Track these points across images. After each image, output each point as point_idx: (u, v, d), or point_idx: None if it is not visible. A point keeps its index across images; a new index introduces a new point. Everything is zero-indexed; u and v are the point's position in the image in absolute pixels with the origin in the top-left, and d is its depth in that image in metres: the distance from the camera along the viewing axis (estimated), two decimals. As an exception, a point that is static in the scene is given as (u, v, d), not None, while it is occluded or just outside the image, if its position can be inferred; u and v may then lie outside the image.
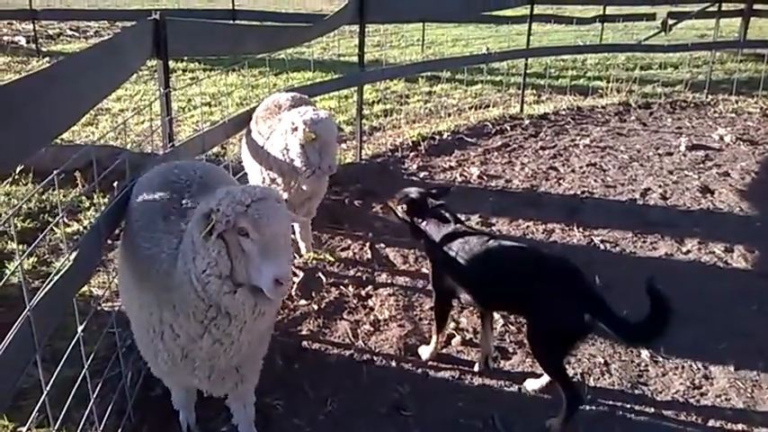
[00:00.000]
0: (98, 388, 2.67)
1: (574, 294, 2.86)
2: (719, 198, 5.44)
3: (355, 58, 6.43)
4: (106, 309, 3.55)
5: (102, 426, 2.58)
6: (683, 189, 5.59)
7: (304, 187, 4.03)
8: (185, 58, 9.50)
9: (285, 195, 4.08)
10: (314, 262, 4.43)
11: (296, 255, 4.49)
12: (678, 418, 3.14)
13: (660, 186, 5.63)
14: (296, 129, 3.83)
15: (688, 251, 4.63)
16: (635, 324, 2.74)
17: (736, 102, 8.04)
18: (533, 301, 2.94)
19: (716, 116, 7.58)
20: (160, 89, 3.70)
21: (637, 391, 3.30)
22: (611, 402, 3.20)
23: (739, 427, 3.09)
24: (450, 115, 7.49)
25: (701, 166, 6.08)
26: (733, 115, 7.60)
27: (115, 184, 3.07)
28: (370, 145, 6.60)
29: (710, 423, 3.11)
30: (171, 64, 3.75)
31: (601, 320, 2.77)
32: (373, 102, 8.22)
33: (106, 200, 4.59)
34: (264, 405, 3.18)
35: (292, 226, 4.37)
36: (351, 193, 5.41)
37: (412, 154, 6.25)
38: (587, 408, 3.16)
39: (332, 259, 4.46)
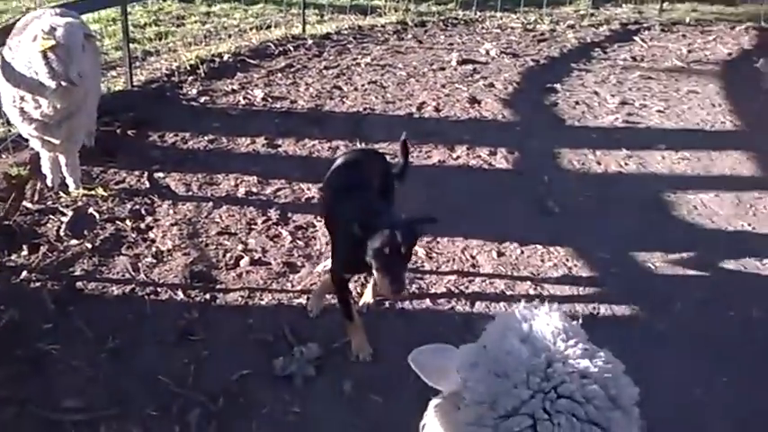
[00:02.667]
0: None
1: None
2: (485, 107, 5.88)
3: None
4: None
5: None
6: (453, 101, 5.95)
7: (57, 105, 3.67)
8: None
9: (38, 115, 3.71)
10: (84, 199, 4.10)
11: (62, 192, 4.12)
12: (450, 304, 3.46)
13: (434, 100, 5.94)
14: (36, 37, 3.47)
15: (458, 157, 4.99)
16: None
17: (501, 18, 8.63)
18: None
19: (483, 32, 8.09)
20: None
21: (414, 286, 3.56)
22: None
23: (501, 304, 3.49)
24: (230, 37, 7.18)
25: (470, 78, 6.50)
26: (498, 31, 8.16)
27: None
28: (144, 71, 6.14)
29: (477, 306, 3.47)
30: None
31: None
32: (145, 24, 7.62)
33: None
34: (38, 351, 2.98)
35: (57, 160, 4.05)
36: (123, 122, 5.04)
37: (190, 78, 5.93)
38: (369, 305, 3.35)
39: (105, 194, 4.16)
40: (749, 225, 4.38)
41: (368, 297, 3.39)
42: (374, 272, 2.74)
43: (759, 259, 4.00)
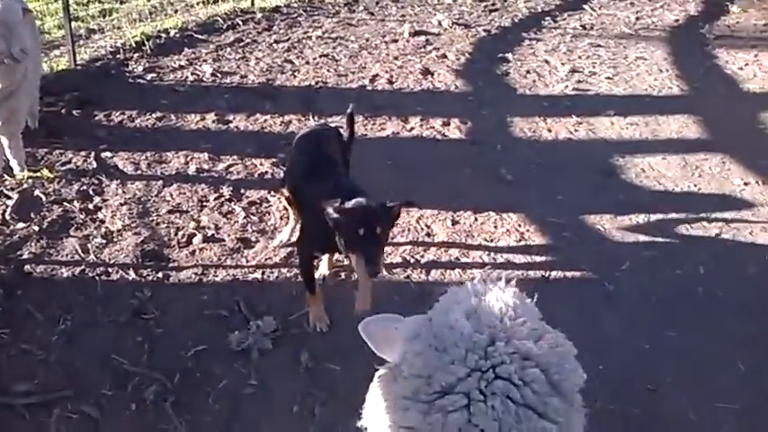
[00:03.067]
0: None
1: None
2: (438, 78, 5.89)
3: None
4: None
5: None
6: (406, 73, 5.94)
7: (0, 84, 3.55)
8: None
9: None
10: (30, 181, 3.99)
11: (7, 175, 4.00)
12: (405, 273, 3.49)
13: (387, 72, 5.92)
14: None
15: (412, 128, 5.00)
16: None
17: (453, -11, 8.63)
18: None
19: (435, 3, 8.06)
20: None
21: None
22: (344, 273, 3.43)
23: (456, 272, 3.53)
24: (177, 12, 7.01)
25: (423, 50, 6.49)
26: (450, 1, 8.14)
27: None
28: (88, 49, 5.96)
29: (432, 274, 3.50)
30: None
31: None
32: (88, 1, 7.39)
33: None
34: (-15, 339, 2.90)
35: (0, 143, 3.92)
36: (67, 102, 4.90)
37: (136, 55, 5.78)
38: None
39: (51, 175, 4.05)
40: (695, 186, 4.51)
41: (324, 269, 3.39)
42: (350, 254, 2.69)
43: (705, 218, 4.13)
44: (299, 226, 3.40)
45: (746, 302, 3.44)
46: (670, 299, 3.44)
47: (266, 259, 3.50)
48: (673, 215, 4.13)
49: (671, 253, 3.80)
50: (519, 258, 3.68)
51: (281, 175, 3.49)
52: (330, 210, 2.64)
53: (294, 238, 3.49)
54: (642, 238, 3.92)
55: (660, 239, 3.92)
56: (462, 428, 1.11)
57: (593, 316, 3.28)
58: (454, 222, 3.94)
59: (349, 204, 2.68)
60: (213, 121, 4.85)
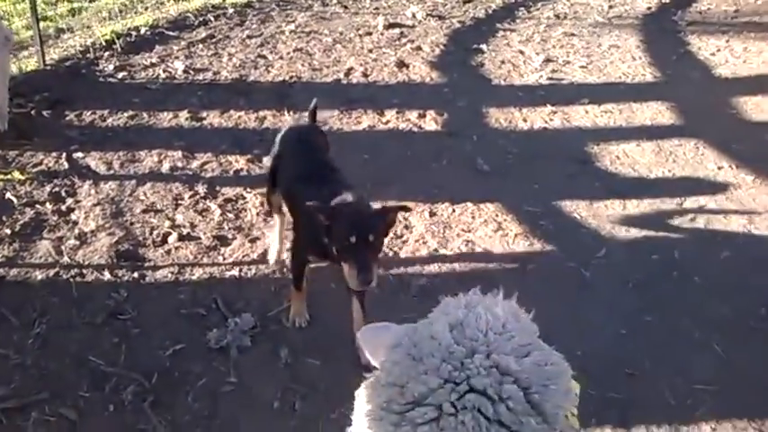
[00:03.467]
0: None
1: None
2: (413, 71, 5.88)
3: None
4: None
5: None
6: (381, 65, 5.92)
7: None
8: None
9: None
10: (0, 184, 3.92)
11: (-24, 179, 3.94)
12: (384, 266, 3.48)
13: (361, 65, 5.90)
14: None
15: (388, 121, 4.99)
16: None
17: (427, -19, 8.61)
18: None
19: (409, -5, 8.06)
20: None
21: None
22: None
23: (434, 263, 3.53)
24: (147, 9, 6.91)
25: (397, 42, 6.47)
26: (424, -6, 8.14)
27: None
28: (57, 49, 5.87)
29: (410, 267, 3.50)
30: None
31: None
32: (57, 1, 7.27)
33: None
34: (-41, 346, 2.85)
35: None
36: (37, 103, 4.82)
37: (106, 54, 5.70)
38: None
39: (23, 177, 3.99)
40: (669, 171, 4.55)
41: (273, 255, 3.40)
42: (342, 262, 2.56)
43: (679, 203, 4.18)
44: (285, 230, 3.35)
45: (722, 285, 3.48)
46: (646, 284, 3.48)
47: (243, 257, 3.48)
48: (648, 201, 4.17)
49: (646, 238, 3.84)
50: (497, 248, 3.69)
51: (267, 176, 3.34)
52: (320, 214, 2.54)
53: (283, 243, 3.42)
54: (618, 224, 3.94)
55: (635, 225, 3.95)
56: None
57: (570, 303, 3.31)
58: (432, 214, 3.94)
59: (341, 209, 2.57)
60: (186, 119, 4.80)
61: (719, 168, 4.58)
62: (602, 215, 4.02)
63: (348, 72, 5.77)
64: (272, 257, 3.43)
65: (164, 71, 5.51)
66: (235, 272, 3.38)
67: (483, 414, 1.04)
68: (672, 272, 3.57)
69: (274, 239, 3.44)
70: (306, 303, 3.08)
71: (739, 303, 3.37)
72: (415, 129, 4.93)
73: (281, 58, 5.98)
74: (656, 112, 5.35)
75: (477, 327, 1.13)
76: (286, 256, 3.38)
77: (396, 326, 1.29)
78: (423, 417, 1.06)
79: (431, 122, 5.01)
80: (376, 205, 2.83)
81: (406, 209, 2.85)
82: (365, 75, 5.74)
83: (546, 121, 5.13)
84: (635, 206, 4.12)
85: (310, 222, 2.66)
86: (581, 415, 1.35)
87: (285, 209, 3.23)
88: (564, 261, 3.61)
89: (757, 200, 4.24)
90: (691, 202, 4.18)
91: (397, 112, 5.09)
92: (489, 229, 3.82)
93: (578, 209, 4.06)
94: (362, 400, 1.29)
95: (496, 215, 3.95)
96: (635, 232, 3.89)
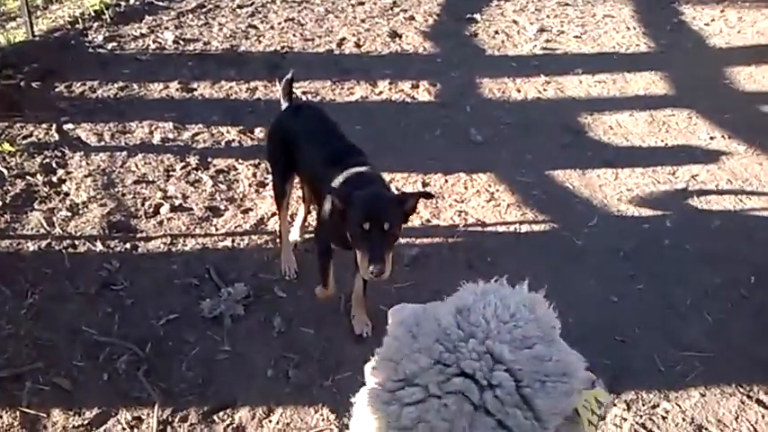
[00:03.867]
0: None
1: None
2: (406, 41, 5.82)
3: None
4: None
5: None
6: (374, 36, 5.86)
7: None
8: None
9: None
10: (-10, 155, 3.90)
11: (-35, 150, 3.90)
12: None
13: (354, 35, 5.84)
14: None
15: (381, 92, 4.95)
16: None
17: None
18: None
19: (402, -35, 7.95)
20: None
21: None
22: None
23: (427, 237, 3.54)
24: (136, -20, 6.82)
25: (390, 12, 6.39)
26: (417, -37, 8.03)
27: None
28: (45, 20, 5.77)
29: (402, 237, 3.49)
30: None
31: None
32: (44, -30, 7.14)
33: None
34: (-50, 316, 2.86)
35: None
36: (26, 74, 4.76)
37: (95, 24, 5.62)
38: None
39: (13, 149, 3.95)
40: (662, 141, 4.55)
41: (295, 235, 3.37)
42: (355, 249, 2.46)
43: (671, 172, 4.18)
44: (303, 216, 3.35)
45: (712, 254, 3.51)
46: (638, 252, 3.50)
47: (236, 227, 3.48)
48: (640, 170, 4.18)
49: (638, 207, 3.85)
50: (489, 218, 3.69)
51: (273, 164, 3.22)
52: (335, 199, 2.44)
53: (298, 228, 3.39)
54: (610, 193, 3.95)
55: (627, 195, 3.96)
56: (414, 425, 1.02)
57: (562, 271, 3.32)
58: (425, 184, 3.94)
59: (356, 194, 2.44)
60: (177, 90, 4.75)
61: (712, 138, 4.58)
62: (595, 185, 4.02)
63: (340, 42, 5.72)
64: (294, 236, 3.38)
65: (154, 42, 5.44)
66: (227, 242, 3.38)
67: (468, 399, 1.00)
68: (663, 240, 3.59)
69: (295, 232, 3.37)
70: (297, 265, 3.12)
71: (730, 272, 3.40)
72: (408, 99, 4.90)
73: (273, 28, 5.91)
74: (649, 82, 5.33)
75: (483, 314, 1.10)
76: (274, 223, 3.38)
77: (413, 305, 1.26)
78: (410, 397, 1.03)
79: (424, 93, 4.98)
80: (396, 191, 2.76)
81: (429, 195, 2.71)
82: (358, 45, 5.68)
83: (539, 92, 5.11)
84: (627, 176, 4.13)
85: (330, 207, 2.57)
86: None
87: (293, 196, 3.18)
88: (556, 230, 3.62)
89: (749, 169, 4.25)
90: (683, 172, 4.19)
91: (390, 83, 5.05)
92: (482, 200, 3.83)
93: (571, 178, 4.06)
94: (366, 376, 1.26)
95: (489, 185, 3.95)
96: (627, 201, 3.90)
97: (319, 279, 2.92)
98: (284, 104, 3.22)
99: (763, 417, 2.65)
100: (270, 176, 3.44)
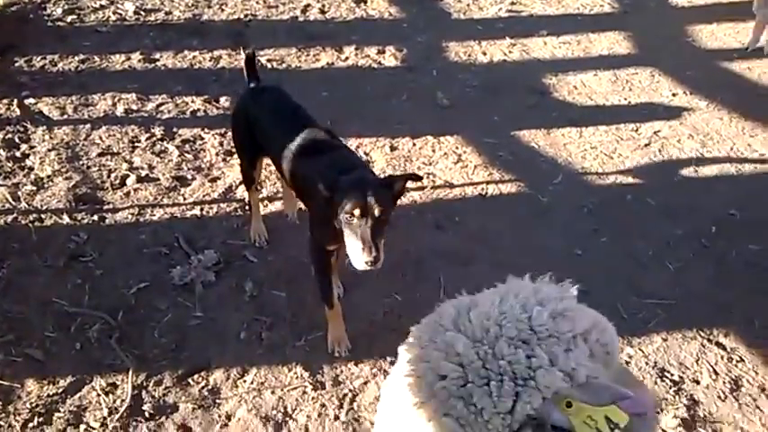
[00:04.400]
0: None
1: None
2: (372, 6, 5.78)
3: None
4: None
5: None
6: (339, 1, 5.80)
7: None
8: None
9: None
10: (-51, 132, 3.82)
11: (-77, 127, 3.82)
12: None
13: (318, 1, 5.77)
14: None
15: (347, 58, 4.93)
16: None
17: None
18: None
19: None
20: None
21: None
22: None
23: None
24: (93, -49, 6.65)
25: (355, -22, 6.35)
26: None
27: None
28: (0, -7, 5.63)
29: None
30: None
31: None
32: (-4, -57, 6.92)
33: None
34: None
35: None
36: (-16, 50, 4.65)
37: (53, -3, 5.50)
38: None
39: (-28, 125, 3.88)
40: (625, 99, 4.61)
41: (293, 208, 3.36)
42: (345, 238, 2.30)
43: (634, 129, 4.26)
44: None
45: (674, 206, 3.60)
46: (601, 207, 3.58)
47: (204, 196, 3.47)
48: (604, 128, 4.25)
49: (602, 164, 3.92)
50: (456, 179, 3.74)
51: (237, 144, 3.15)
52: (320, 187, 2.29)
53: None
54: (574, 151, 4.02)
55: (592, 152, 4.03)
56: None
57: (528, 227, 3.39)
58: (393, 148, 3.96)
59: (342, 180, 2.30)
60: (139, 61, 4.68)
61: (674, 95, 4.66)
62: (560, 144, 4.08)
63: (305, 9, 5.65)
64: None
65: (114, 13, 5.33)
66: (196, 211, 3.37)
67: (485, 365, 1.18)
68: (626, 195, 3.67)
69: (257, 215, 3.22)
70: (265, 229, 3.14)
71: (691, 223, 3.49)
72: (375, 65, 4.89)
73: (236, -4, 5.83)
74: (613, 42, 5.38)
75: (514, 307, 1.25)
76: (243, 191, 3.39)
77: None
78: (429, 357, 1.22)
79: (390, 58, 4.97)
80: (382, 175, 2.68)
81: (417, 177, 2.54)
82: (322, 11, 5.63)
83: (505, 54, 5.13)
84: (591, 134, 4.19)
85: (317, 199, 2.39)
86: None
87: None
88: (522, 189, 3.68)
89: (710, 124, 4.34)
90: (645, 129, 4.27)
91: (356, 49, 5.03)
92: (449, 162, 3.86)
93: (536, 138, 4.12)
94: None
95: (456, 147, 3.99)
96: (591, 159, 3.97)
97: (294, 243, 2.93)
98: (249, 83, 3.02)
99: (722, 358, 2.76)
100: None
